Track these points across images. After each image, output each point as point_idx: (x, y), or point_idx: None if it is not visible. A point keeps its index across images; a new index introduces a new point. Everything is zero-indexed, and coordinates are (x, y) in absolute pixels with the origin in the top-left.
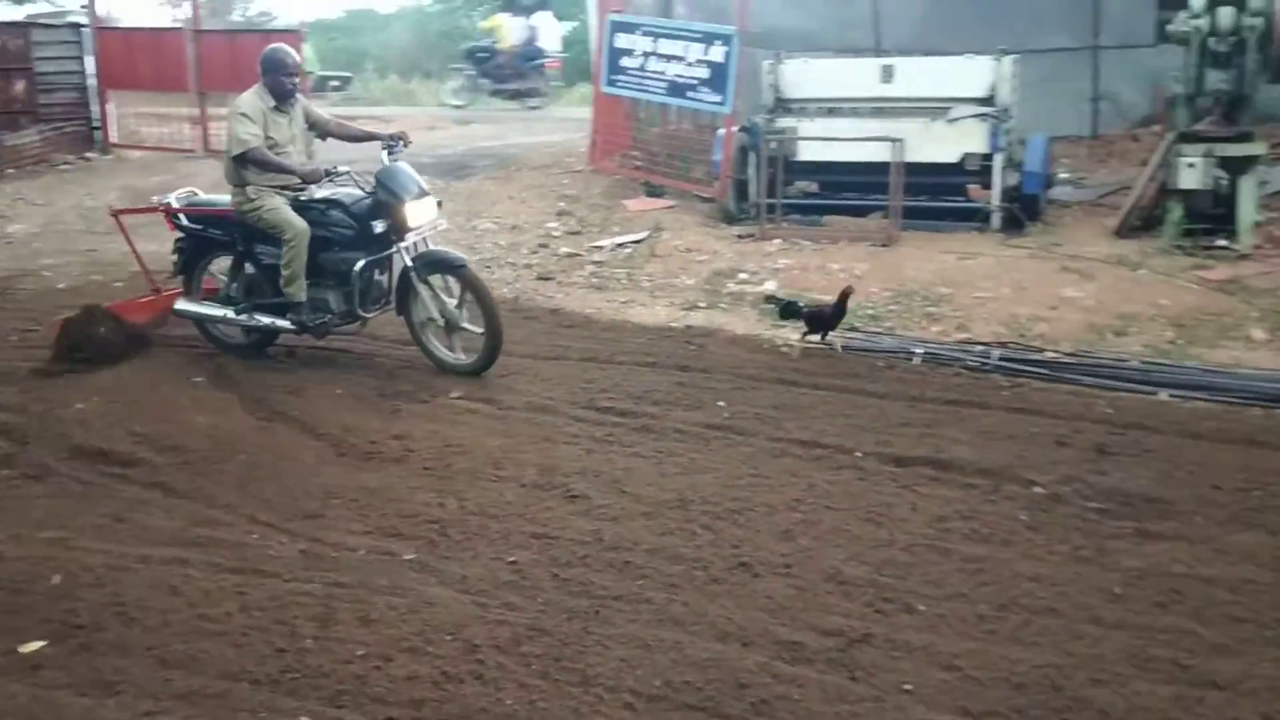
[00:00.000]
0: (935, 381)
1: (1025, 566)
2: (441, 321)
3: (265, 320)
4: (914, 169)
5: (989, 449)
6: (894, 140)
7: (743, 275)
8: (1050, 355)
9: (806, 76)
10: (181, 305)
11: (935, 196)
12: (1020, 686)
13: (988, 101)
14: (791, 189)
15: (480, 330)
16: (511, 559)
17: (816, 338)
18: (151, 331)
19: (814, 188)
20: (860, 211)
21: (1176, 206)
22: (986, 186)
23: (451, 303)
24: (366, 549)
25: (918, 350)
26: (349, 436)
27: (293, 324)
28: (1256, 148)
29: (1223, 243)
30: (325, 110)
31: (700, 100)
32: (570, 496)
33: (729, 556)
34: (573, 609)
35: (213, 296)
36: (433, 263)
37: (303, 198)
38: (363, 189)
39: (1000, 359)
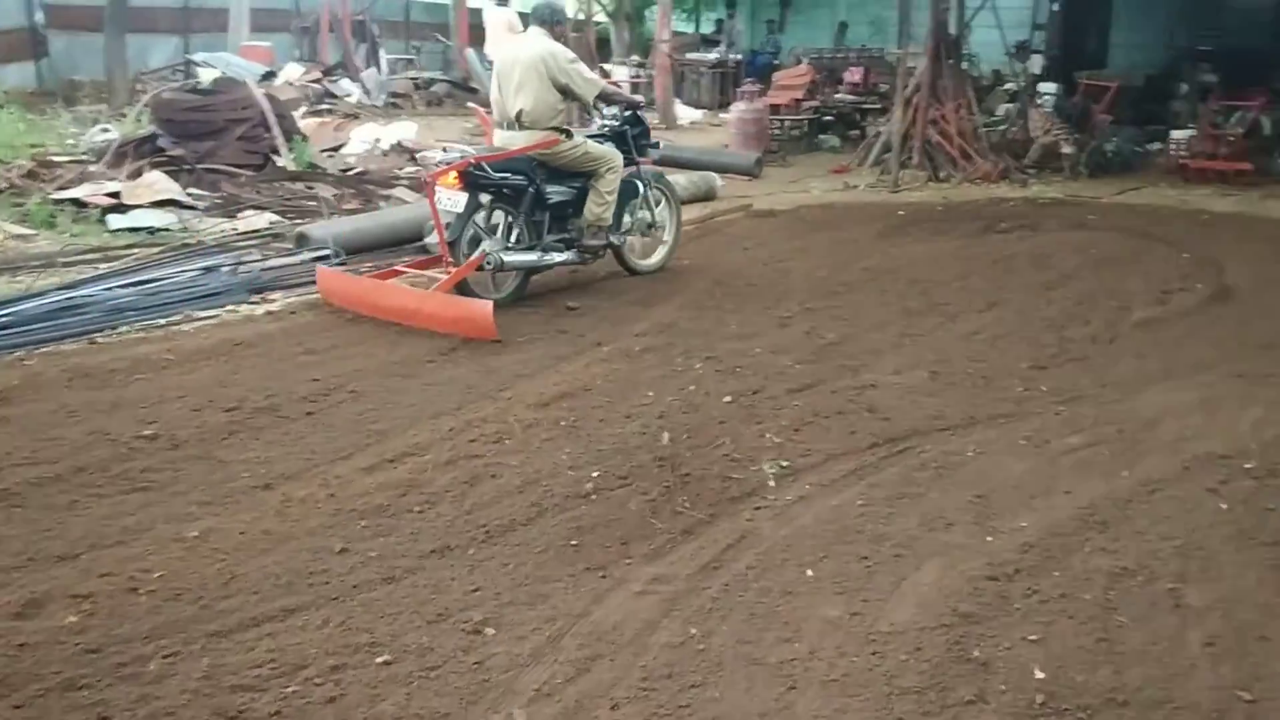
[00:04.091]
0: None
1: None
2: (656, 225)
3: (560, 257)
4: None
5: None
6: None
7: None
8: None
9: None
10: (513, 258)
11: None
12: None
13: None
14: None
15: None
16: None
17: None
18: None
19: None
20: None
21: None
22: None
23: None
24: None
25: None
26: None
27: (584, 251)
28: None
29: None
30: None
31: None
32: None
33: None
34: None
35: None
36: (652, 172)
37: (585, 131)
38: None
39: None
